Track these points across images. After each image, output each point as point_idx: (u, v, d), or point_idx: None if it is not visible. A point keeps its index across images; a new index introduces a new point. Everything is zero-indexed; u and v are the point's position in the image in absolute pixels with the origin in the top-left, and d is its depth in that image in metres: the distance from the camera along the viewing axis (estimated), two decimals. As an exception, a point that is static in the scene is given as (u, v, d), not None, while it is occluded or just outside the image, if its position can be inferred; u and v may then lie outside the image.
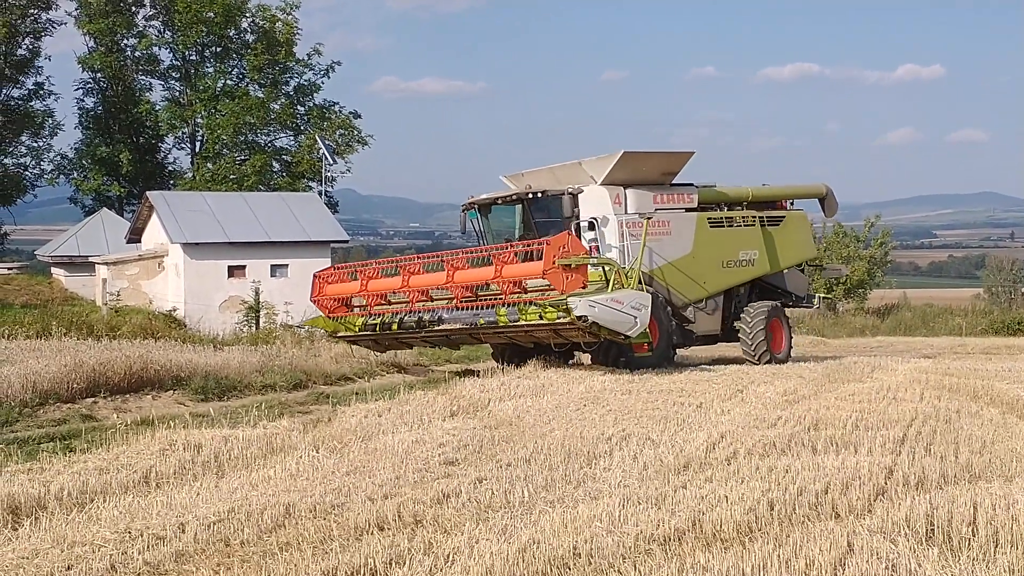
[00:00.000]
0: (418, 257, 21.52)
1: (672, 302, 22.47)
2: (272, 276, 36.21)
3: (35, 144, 58.72)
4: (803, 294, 26.15)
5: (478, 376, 18.66)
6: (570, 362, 21.74)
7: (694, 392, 16.52)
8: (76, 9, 57.43)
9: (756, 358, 23.17)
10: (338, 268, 22.57)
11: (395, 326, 20.90)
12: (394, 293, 21.02)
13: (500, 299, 19.17)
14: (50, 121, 58.34)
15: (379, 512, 8.78)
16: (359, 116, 58.05)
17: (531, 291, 19.08)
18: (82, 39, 58.33)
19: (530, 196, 22.16)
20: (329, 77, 58.88)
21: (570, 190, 21.62)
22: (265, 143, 57.00)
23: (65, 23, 58.61)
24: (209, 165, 55.32)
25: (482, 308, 19.45)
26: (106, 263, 38.35)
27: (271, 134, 57.62)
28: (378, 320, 21.27)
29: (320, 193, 49.71)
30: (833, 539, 7.73)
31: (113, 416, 15.21)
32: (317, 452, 11.66)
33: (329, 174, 53.47)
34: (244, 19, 57.75)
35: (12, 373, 16.04)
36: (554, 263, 18.18)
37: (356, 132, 56.92)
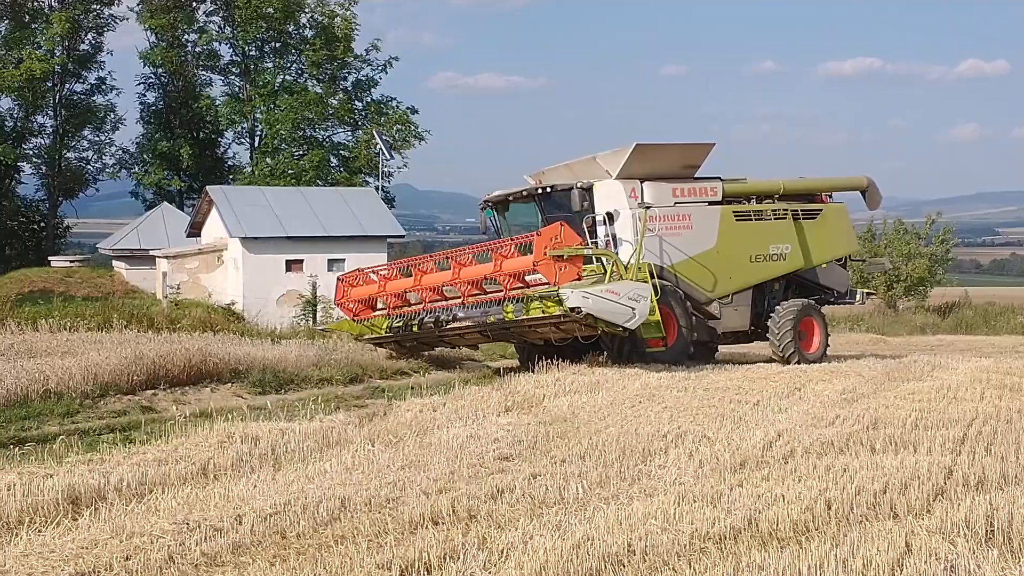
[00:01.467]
0: (430, 256, 21.75)
1: (693, 297, 21.95)
2: (329, 270, 36.34)
3: (97, 138, 59.61)
4: (843, 289, 25.33)
5: (533, 372, 18.65)
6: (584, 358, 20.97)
7: (751, 390, 16.41)
8: (138, 5, 58.14)
9: (784, 358, 22.59)
10: (361, 271, 22.76)
11: (415, 327, 21.00)
12: (410, 292, 21.17)
13: (503, 294, 19.16)
14: (112, 116, 59.19)
15: (433, 506, 8.80)
16: (416, 111, 58.24)
17: (532, 285, 18.94)
18: (144, 34, 59.08)
19: (540, 192, 21.93)
20: (387, 72, 59.15)
21: (579, 184, 21.28)
22: (323, 138, 57.33)
23: (127, 19, 59.38)
24: (268, 160, 55.72)
25: (491, 304, 19.47)
26: (166, 256, 38.75)
27: (329, 129, 57.96)
28: (401, 322, 21.44)
29: (377, 188, 49.92)
30: (891, 539, 7.64)
31: (172, 408, 15.38)
32: (372, 446, 11.71)
33: (386, 169, 53.69)
34: (303, 15, 58.10)
35: (74, 365, 16.25)
36: (545, 254, 18.06)
37: (413, 127, 57.09)
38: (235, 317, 32.30)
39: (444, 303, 20.48)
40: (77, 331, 22.19)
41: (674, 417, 13.61)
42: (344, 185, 51.28)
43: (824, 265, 24.64)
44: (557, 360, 19.28)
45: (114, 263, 45.70)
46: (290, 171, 54.04)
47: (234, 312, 33.48)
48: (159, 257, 39.81)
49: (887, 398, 15.53)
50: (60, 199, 59.16)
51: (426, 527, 8.37)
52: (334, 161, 56.93)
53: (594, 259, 19.64)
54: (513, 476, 9.97)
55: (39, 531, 8.35)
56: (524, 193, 22.45)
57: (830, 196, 25.50)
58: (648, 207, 20.81)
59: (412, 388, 17.91)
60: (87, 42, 58.60)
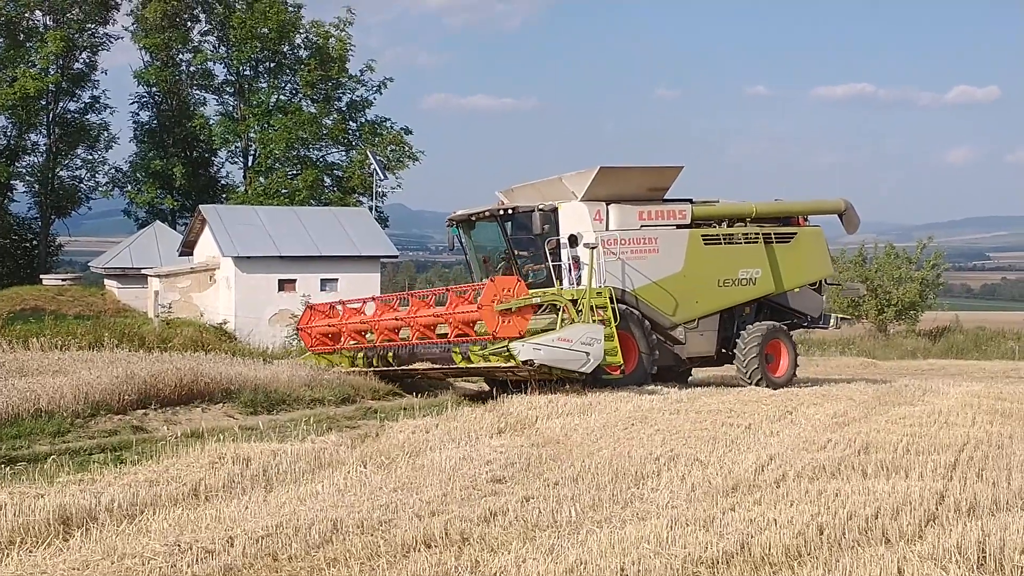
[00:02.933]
0: (384, 298, 21.81)
1: (656, 322, 21.71)
2: (322, 290, 36.35)
3: (90, 157, 59.62)
4: (816, 314, 24.91)
5: (526, 393, 18.65)
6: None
7: (743, 413, 16.41)
8: (133, 24, 58.27)
9: (750, 380, 22.26)
10: (331, 306, 23.08)
11: (390, 356, 20.98)
12: (367, 333, 21.23)
13: (452, 340, 19.06)
14: (105, 134, 59.21)
15: (426, 529, 8.79)
16: (410, 132, 58.31)
17: (480, 334, 18.72)
18: (138, 53, 59.15)
19: (502, 213, 21.69)
20: (381, 93, 59.28)
21: (540, 207, 21.03)
22: (317, 158, 57.38)
23: (122, 38, 59.74)
24: (261, 179, 55.76)
25: (444, 345, 19.43)
26: (158, 275, 38.71)
27: (323, 149, 58.03)
28: (362, 358, 21.56)
29: (370, 208, 49.96)
30: (883, 565, 7.65)
31: (163, 428, 15.34)
32: (365, 467, 11.70)
33: (380, 189, 53.73)
34: (298, 35, 58.24)
35: (65, 384, 16.18)
36: (492, 303, 17.89)
37: (407, 148, 57.18)
38: (227, 336, 32.25)
39: (400, 343, 20.48)
40: (68, 350, 22.11)
41: (667, 440, 13.61)
42: (338, 205, 51.30)
43: (797, 289, 24.24)
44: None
45: (106, 282, 45.65)
46: (283, 190, 54.09)
47: (226, 331, 33.44)
48: (151, 276, 39.76)
49: (878, 422, 15.55)
50: (52, 217, 59.11)
51: (419, 550, 8.36)
52: (328, 181, 57.01)
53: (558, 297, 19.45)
54: (506, 499, 9.96)
55: (30, 552, 8.33)
56: (487, 213, 22.17)
57: (806, 219, 25.12)
58: (594, 247, 20.36)
59: (405, 409, 17.87)
60: (81, 61, 58.71)
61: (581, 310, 19.17)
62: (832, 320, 25.57)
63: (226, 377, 18.41)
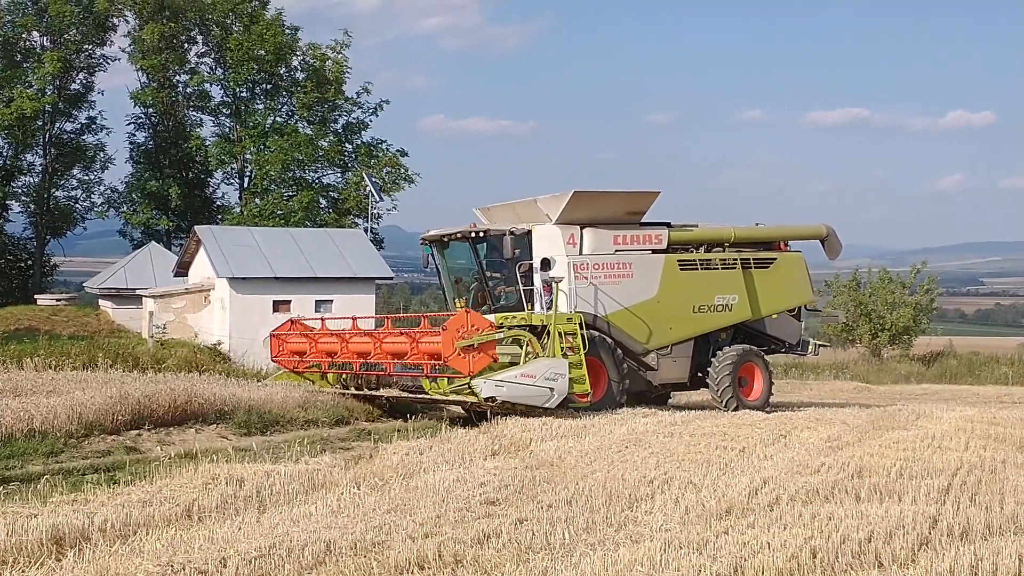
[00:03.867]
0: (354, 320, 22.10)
1: (629, 348, 21.55)
2: (317, 311, 36.24)
3: (86, 177, 59.47)
4: (794, 340, 24.69)
5: (520, 415, 18.66)
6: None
7: (737, 436, 16.42)
8: (130, 45, 58.22)
9: (723, 404, 22.19)
10: (292, 322, 23.47)
11: (351, 385, 21.13)
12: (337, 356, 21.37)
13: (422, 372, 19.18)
14: (101, 155, 59.07)
15: (419, 551, 8.79)
16: (406, 154, 58.34)
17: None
18: (135, 75, 59.16)
19: (473, 235, 21.54)
20: (377, 115, 59.30)
21: (512, 231, 20.82)
22: (313, 180, 57.34)
23: (119, 59, 59.49)
24: (257, 201, 55.73)
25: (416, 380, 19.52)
26: (153, 296, 38.66)
27: (319, 171, 57.97)
28: (337, 379, 21.73)
29: (366, 230, 49.95)
30: (876, 589, 7.66)
31: (157, 449, 15.33)
32: (358, 489, 11.69)
33: (375, 211, 53.75)
34: (295, 57, 58.28)
35: (59, 404, 16.19)
36: (454, 348, 17.83)
37: (403, 170, 57.18)
38: (221, 357, 32.21)
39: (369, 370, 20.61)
40: (62, 370, 22.13)
41: (660, 463, 13.62)
42: (333, 227, 51.29)
43: (775, 316, 24.05)
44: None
45: (101, 302, 45.57)
46: (279, 212, 54.05)
47: (220, 352, 33.39)
48: (146, 296, 39.71)
49: (872, 446, 15.56)
50: (48, 237, 59.01)
51: (412, 572, 8.36)
52: (323, 202, 56.96)
53: (516, 336, 19.42)
54: (500, 521, 9.96)
55: (23, 571, 8.32)
56: (459, 235, 21.98)
57: (787, 245, 24.91)
58: (559, 280, 20.18)
59: (399, 430, 17.88)
60: (78, 82, 58.66)
61: (549, 337, 19.11)
62: (810, 346, 25.22)
63: (220, 398, 18.42)
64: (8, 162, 56.96)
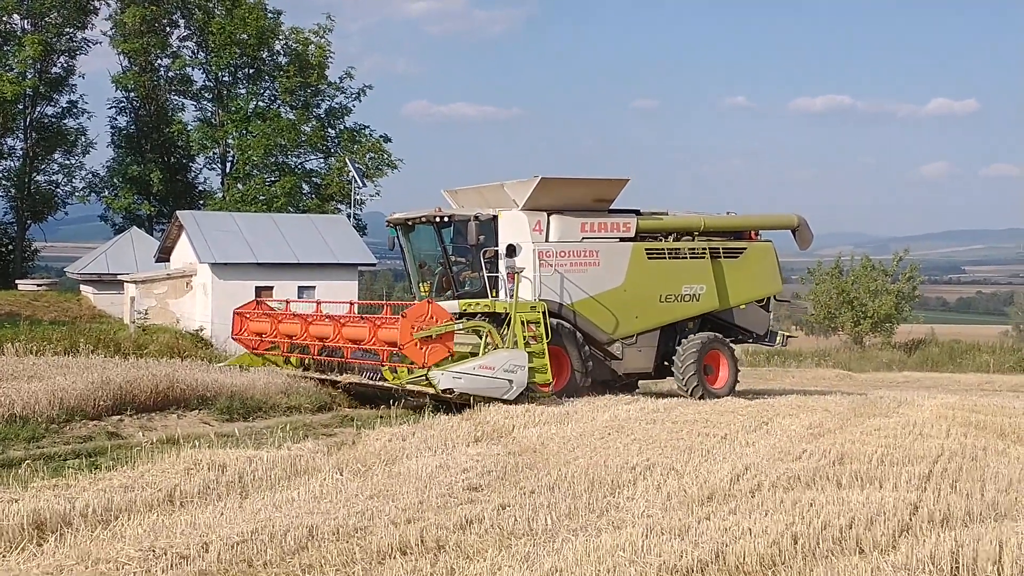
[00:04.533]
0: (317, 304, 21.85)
1: (593, 337, 21.44)
2: (299, 297, 36.19)
3: (67, 162, 59.16)
4: (762, 331, 24.53)
5: (503, 402, 18.67)
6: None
7: (719, 423, 16.47)
8: (111, 29, 57.91)
9: (688, 392, 22.04)
10: (260, 303, 23.13)
11: (312, 368, 20.90)
12: (297, 339, 21.20)
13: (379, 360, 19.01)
14: (83, 139, 58.78)
15: (402, 536, 8.79)
16: (389, 140, 58.22)
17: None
18: (117, 58, 58.85)
19: (438, 219, 21.21)
20: (361, 100, 59.14)
21: (477, 216, 20.63)
22: (295, 165, 57.21)
23: (100, 42, 59.13)
24: (239, 186, 55.56)
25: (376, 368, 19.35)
26: (134, 281, 38.54)
27: (301, 156, 57.83)
28: (298, 362, 21.48)
29: (349, 215, 49.87)
30: (857, 575, 7.70)
31: (139, 434, 15.29)
32: (341, 475, 11.69)
33: (358, 197, 53.65)
34: (277, 41, 58.04)
35: (40, 389, 16.13)
36: (411, 337, 17.76)
37: (386, 155, 57.09)
38: (203, 343, 32.14)
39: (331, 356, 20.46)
40: (43, 355, 22.04)
41: (643, 449, 13.65)
42: (316, 212, 51.19)
43: (743, 306, 23.88)
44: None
45: (82, 287, 45.40)
46: (261, 197, 53.89)
47: (202, 338, 33.31)
48: (127, 282, 39.58)
49: (853, 433, 15.63)
50: (29, 222, 58.72)
51: (394, 557, 8.36)
52: (306, 188, 56.83)
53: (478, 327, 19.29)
54: (482, 507, 9.97)
55: (3, 556, 8.30)
56: (423, 219, 21.65)
57: (758, 234, 24.73)
58: (520, 270, 20.02)
59: (381, 417, 17.87)
60: (59, 65, 58.30)
61: (511, 326, 19.01)
62: (778, 337, 25.10)
63: (202, 384, 18.36)
64: (-12, 146, 56.67)
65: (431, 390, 18.06)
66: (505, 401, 18.16)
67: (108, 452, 13.67)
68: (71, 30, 57.71)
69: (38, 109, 57.88)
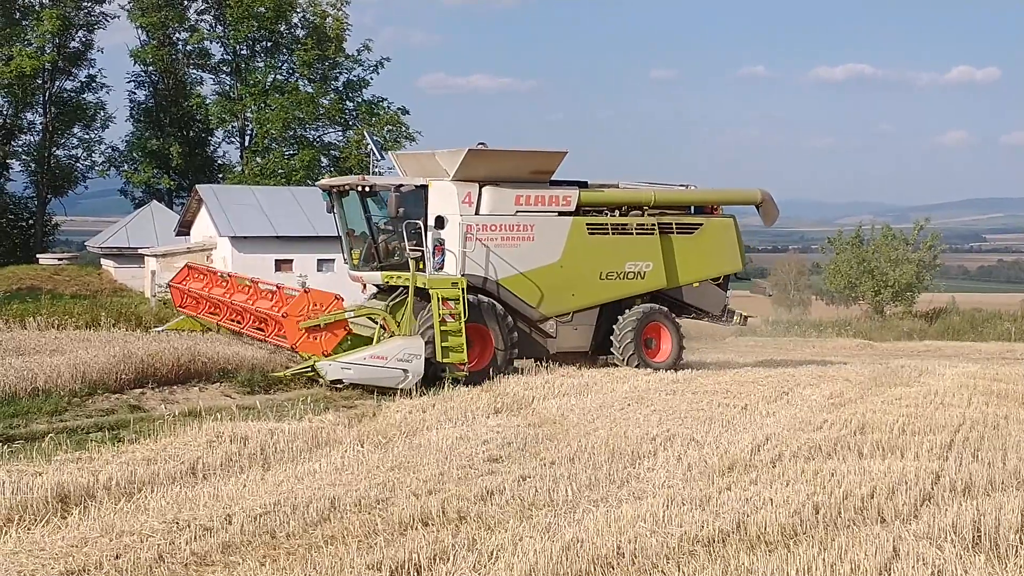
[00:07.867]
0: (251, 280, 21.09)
1: (523, 314, 20.46)
2: (319, 270, 36.30)
3: (87, 136, 59.39)
4: (717, 311, 23.05)
5: (522, 373, 18.66)
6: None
7: (739, 394, 16.44)
8: (129, 3, 57.93)
9: (624, 362, 20.82)
10: (189, 267, 22.72)
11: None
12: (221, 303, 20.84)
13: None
14: (102, 113, 58.98)
15: (423, 508, 8.83)
16: (407, 112, 58.17)
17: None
18: (135, 32, 58.90)
19: (360, 189, 20.13)
20: (378, 73, 59.08)
21: (399, 186, 19.54)
22: (314, 138, 57.24)
23: (118, 16, 59.21)
24: (258, 159, 55.63)
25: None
26: (155, 255, 38.70)
27: (320, 129, 57.85)
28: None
29: (367, 188, 49.88)
30: (879, 544, 7.69)
31: (161, 407, 15.34)
32: (362, 447, 11.73)
33: (377, 170, 53.56)
34: (295, 14, 58.02)
35: (62, 363, 16.19)
36: (300, 334, 17.39)
37: (404, 128, 57.03)
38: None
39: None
40: (65, 329, 22.11)
41: (663, 420, 13.64)
42: (334, 185, 51.22)
43: (696, 284, 22.52)
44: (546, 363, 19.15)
45: (102, 261, 45.59)
46: (280, 170, 53.96)
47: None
48: (147, 256, 39.75)
49: (874, 403, 15.58)
50: (49, 197, 58.96)
51: (416, 528, 8.39)
52: (324, 161, 56.84)
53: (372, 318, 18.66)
54: (503, 478, 9.99)
55: (28, 529, 8.36)
56: (347, 187, 20.58)
57: (721, 209, 23.30)
58: (442, 242, 19.46)
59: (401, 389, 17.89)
60: (78, 39, 58.46)
61: (406, 309, 18.53)
62: (736, 316, 23.61)
63: (223, 357, 18.37)
64: (8, 121, 56.84)
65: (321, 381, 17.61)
66: (400, 392, 17.14)
67: (131, 425, 13.73)
68: (89, 4, 57.88)
69: (57, 84, 58.09)
